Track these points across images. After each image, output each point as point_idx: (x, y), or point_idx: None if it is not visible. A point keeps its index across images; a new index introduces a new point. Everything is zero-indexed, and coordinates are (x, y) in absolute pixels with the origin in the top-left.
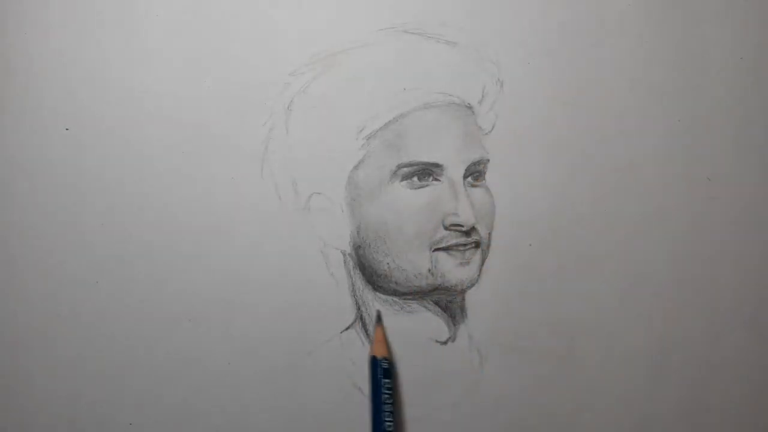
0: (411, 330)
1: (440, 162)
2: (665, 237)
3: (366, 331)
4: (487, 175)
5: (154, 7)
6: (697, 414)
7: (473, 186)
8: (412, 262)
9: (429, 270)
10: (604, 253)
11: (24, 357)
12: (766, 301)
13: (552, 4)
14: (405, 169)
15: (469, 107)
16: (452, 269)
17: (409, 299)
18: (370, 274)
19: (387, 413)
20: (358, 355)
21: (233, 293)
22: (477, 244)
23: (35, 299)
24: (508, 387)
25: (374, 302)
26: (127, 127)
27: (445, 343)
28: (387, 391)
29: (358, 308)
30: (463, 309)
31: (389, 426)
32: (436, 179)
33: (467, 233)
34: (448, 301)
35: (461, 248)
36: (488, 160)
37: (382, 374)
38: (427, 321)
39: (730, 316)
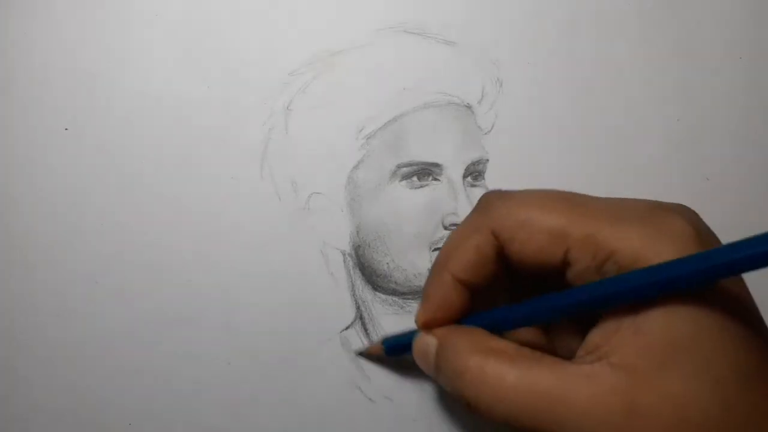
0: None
1: (439, 162)
2: None
3: (365, 330)
4: (487, 175)
5: (154, 7)
6: None
7: (473, 186)
8: (412, 262)
9: (429, 270)
10: None
11: (24, 356)
12: (766, 300)
13: (552, 3)
14: (404, 169)
15: (469, 107)
16: None
17: (409, 299)
18: (370, 273)
19: None
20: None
21: (233, 293)
22: None
23: (35, 299)
24: None
25: (374, 302)
26: (126, 127)
27: None
28: None
29: (358, 308)
30: None
31: None
32: (436, 179)
33: None
34: None
35: None
36: (488, 160)
37: None
38: None
39: None
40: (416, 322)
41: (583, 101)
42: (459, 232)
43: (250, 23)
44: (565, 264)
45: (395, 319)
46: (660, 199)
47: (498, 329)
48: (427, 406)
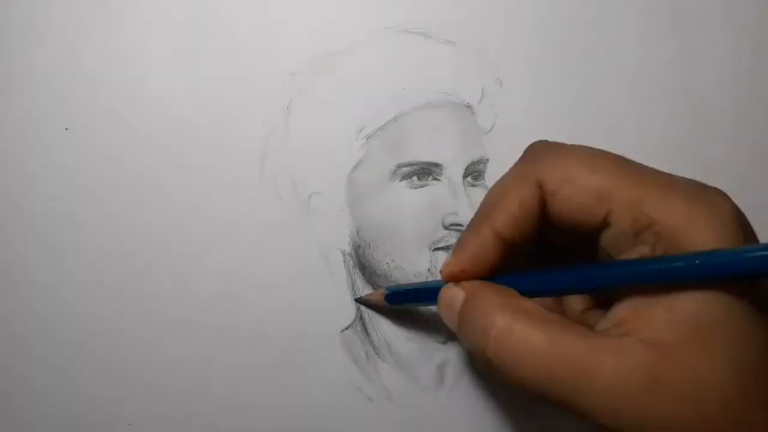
0: (410, 330)
1: (440, 161)
2: None
3: (365, 330)
4: (487, 175)
5: (154, 7)
6: None
7: (473, 185)
8: (412, 262)
9: (428, 270)
10: None
11: (24, 357)
12: None
13: (552, 3)
14: (405, 169)
15: (469, 107)
16: None
17: None
18: (370, 274)
19: None
20: (358, 354)
21: (233, 293)
22: None
23: (35, 299)
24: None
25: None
26: (126, 127)
27: (444, 342)
28: None
29: (358, 308)
30: None
31: None
32: (436, 179)
33: None
34: None
35: None
36: (488, 160)
37: None
38: (427, 321)
39: None
40: (441, 272)
41: (583, 101)
42: (503, 182)
43: (250, 23)
44: (603, 225)
45: (395, 318)
46: None
47: (527, 292)
48: (427, 406)
